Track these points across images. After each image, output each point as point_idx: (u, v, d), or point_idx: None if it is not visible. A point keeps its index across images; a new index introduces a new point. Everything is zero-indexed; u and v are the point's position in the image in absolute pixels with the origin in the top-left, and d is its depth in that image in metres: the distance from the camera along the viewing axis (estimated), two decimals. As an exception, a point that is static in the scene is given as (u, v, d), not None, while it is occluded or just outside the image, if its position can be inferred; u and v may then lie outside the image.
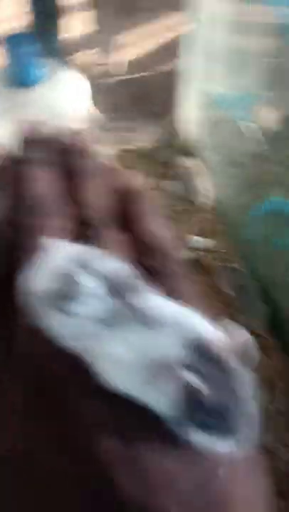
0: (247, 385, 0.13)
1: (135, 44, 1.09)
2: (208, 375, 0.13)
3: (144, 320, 0.13)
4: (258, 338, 0.43)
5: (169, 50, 0.81)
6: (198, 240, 0.53)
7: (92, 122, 0.71)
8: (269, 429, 0.42)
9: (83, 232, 0.16)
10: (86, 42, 1.41)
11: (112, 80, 0.96)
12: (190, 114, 0.67)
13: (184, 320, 0.13)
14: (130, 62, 1.15)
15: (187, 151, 0.65)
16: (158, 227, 0.18)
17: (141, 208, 0.18)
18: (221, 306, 0.46)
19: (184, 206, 0.57)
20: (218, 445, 0.13)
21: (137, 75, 0.97)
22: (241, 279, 0.47)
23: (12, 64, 0.55)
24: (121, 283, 0.14)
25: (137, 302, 0.13)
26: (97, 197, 0.18)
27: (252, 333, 0.16)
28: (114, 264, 0.14)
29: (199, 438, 0.13)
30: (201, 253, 0.51)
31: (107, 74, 1.09)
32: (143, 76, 0.93)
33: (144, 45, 1.01)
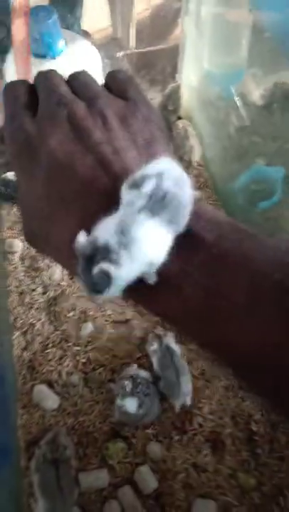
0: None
1: (146, 16, 1.13)
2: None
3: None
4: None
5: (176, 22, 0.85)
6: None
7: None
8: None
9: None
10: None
11: (122, 53, 1.01)
12: (188, 83, 0.72)
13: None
14: (138, 36, 1.19)
15: (184, 115, 0.72)
16: None
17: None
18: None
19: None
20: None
21: (143, 50, 1.01)
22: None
23: (32, 37, 0.57)
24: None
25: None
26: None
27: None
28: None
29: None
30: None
31: (119, 47, 1.14)
32: (149, 49, 0.98)
33: (153, 17, 1.05)
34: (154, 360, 0.54)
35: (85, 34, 1.75)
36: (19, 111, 0.26)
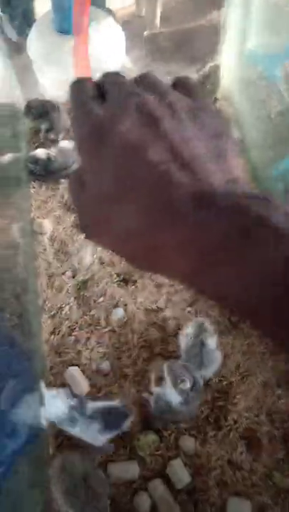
0: None
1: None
2: None
3: None
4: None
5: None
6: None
7: (125, 70, 0.73)
8: None
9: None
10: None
11: (152, 31, 0.98)
12: (228, 63, 0.69)
13: None
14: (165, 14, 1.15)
15: (222, 96, 0.69)
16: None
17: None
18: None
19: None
20: None
21: (171, 29, 0.98)
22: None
23: (56, 12, 0.55)
24: None
25: None
26: None
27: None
28: None
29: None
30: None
31: (143, 25, 1.11)
32: (184, 27, 0.95)
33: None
34: (182, 343, 0.52)
35: (109, 12, 1.70)
36: (88, 100, 0.28)
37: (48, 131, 0.73)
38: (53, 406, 0.44)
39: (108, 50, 0.90)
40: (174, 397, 0.46)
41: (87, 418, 0.44)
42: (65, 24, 0.63)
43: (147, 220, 0.23)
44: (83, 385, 0.53)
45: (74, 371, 0.54)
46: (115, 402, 0.47)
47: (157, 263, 0.25)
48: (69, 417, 0.45)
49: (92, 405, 0.45)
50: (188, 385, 0.46)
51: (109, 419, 0.45)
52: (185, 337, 0.52)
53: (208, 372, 0.51)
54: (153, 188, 0.23)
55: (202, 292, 0.25)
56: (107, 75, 0.29)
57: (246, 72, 0.66)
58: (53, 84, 1.00)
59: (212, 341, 0.52)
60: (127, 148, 0.24)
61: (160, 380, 0.48)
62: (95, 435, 0.44)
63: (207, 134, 0.25)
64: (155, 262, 0.25)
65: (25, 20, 1.67)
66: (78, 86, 0.29)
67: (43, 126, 0.75)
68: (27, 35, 0.92)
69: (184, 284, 0.26)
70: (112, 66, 0.76)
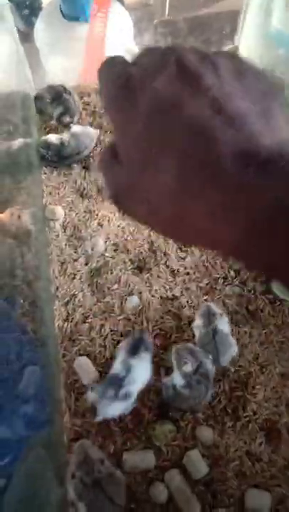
0: None
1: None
2: None
3: None
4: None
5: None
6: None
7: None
8: None
9: None
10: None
11: (161, 19, 0.96)
12: (247, 45, 0.67)
13: None
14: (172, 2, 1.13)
15: None
16: None
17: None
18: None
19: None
20: None
21: (182, 16, 0.96)
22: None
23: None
24: None
25: None
26: None
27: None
28: None
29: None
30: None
31: (151, 13, 1.09)
32: (194, 14, 0.93)
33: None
34: (197, 333, 0.51)
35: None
36: (121, 62, 0.26)
37: (62, 114, 0.72)
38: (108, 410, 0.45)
39: (117, 37, 0.88)
40: (178, 380, 0.45)
41: (128, 386, 0.45)
42: (75, 11, 0.61)
43: (186, 182, 0.21)
44: (92, 374, 0.52)
45: (83, 360, 0.52)
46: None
47: (195, 231, 0.23)
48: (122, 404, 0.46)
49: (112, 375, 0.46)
50: (190, 367, 0.45)
51: (136, 352, 0.47)
52: (197, 328, 0.50)
53: (226, 358, 0.49)
54: (194, 146, 0.20)
55: (246, 262, 0.22)
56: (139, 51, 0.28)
57: (266, 55, 0.64)
58: (61, 71, 0.99)
59: (224, 326, 0.51)
60: (164, 105, 0.22)
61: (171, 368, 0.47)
62: (144, 377, 0.45)
63: (252, 93, 0.23)
64: (193, 230, 0.23)
65: (31, 9, 1.65)
66: (109, 61, 0.27)
67: (55, 113, 0.73)
68: (34, 24, 0.90)
69: (225, 254, 0.24)
70: (121, 52, 0.74)
